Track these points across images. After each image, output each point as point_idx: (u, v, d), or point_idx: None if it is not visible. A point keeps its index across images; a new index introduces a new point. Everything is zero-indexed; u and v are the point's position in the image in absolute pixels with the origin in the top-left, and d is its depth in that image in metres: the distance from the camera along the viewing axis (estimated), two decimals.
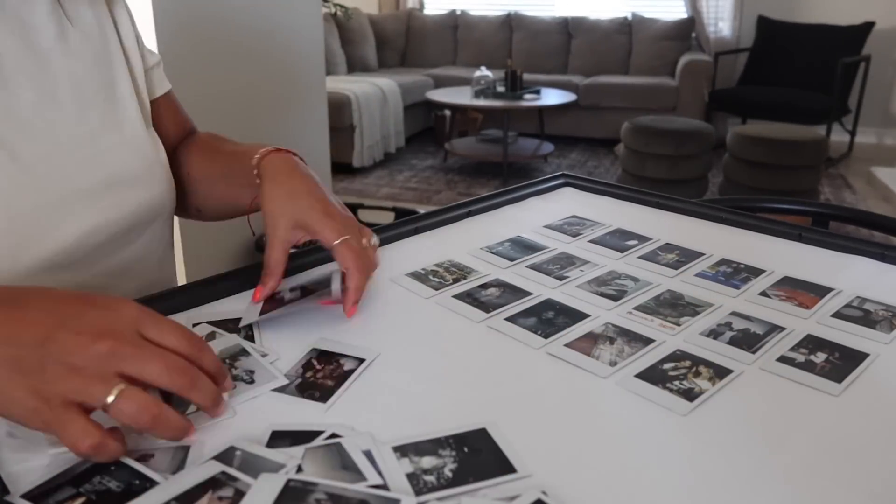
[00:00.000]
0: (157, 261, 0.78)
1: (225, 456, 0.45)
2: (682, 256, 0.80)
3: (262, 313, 0.62)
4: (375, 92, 4.56)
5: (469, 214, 0.93)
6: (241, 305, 0.67)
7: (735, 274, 0.75)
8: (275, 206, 0.65)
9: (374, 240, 0.69)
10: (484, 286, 0.72)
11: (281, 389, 0.54)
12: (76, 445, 0.40)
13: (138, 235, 0.73)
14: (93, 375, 0.40)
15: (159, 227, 0.76)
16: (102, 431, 0.41)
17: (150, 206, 0.72)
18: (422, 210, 2.17)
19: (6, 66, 0.62)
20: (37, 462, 0.44)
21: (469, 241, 0.84)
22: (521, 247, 0.83)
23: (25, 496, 0.41)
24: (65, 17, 0.68)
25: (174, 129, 0.83)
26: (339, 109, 4.11)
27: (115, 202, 0.68)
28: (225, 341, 0.60)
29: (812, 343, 0.61)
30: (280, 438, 0.47)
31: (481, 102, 4.43)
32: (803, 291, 0.71)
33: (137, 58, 0.75)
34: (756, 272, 0.76)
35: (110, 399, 0.40)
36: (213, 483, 0.42)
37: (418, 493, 0.42)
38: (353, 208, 2.99)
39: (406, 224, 0.88)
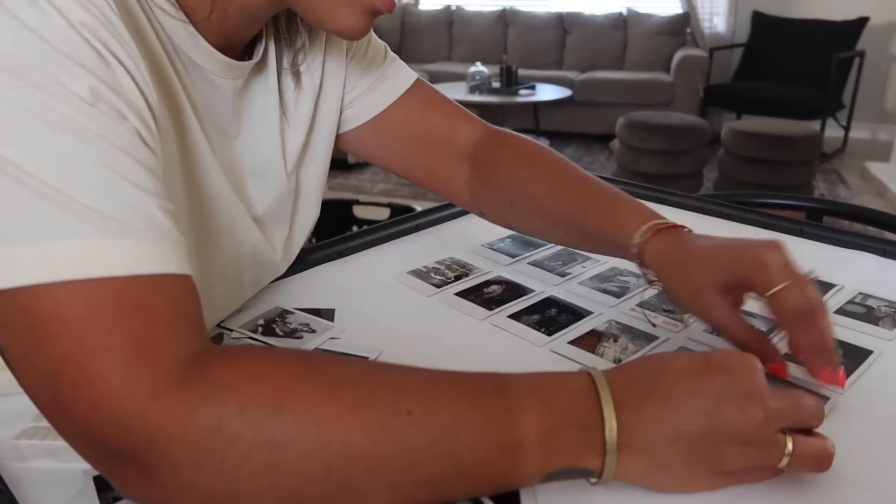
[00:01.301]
0: None
1: None
2: None
3: None
4: None
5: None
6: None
7: None
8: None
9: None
10: (486, 283, 0.72)
11: None
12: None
13: None
14: (764, 444, 0.40)
15: None
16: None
17: None
18: (418, 206, 2.16)
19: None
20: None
21: (470, 237, 0.84)
22: (523, 243, 0.82)
23: None
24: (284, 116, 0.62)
25: (444, 129, 0.72)
26: None
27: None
28: (259, 310, 0.65)
29: None
30: None
31: (476, 98, 4.42)
32: None
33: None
34: None
35: (783, 462, 0.41)
36: None
37: None
38: (349, 205, 2.98)
39: (406, 221, 0.87)
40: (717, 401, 0.40)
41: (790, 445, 0.40)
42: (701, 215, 0.92)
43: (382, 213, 2.88)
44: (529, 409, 0.38)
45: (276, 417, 0.35)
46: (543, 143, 3.48)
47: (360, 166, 4.32)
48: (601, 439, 0.39)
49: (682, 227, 0.58)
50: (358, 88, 0.68)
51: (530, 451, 0.38)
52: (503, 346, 0.60)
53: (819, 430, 0.49)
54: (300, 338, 0.60)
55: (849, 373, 0.56)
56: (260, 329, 0.62)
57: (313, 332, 0.62)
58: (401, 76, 0.70)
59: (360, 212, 2.91)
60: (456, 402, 0.38)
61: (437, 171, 0.72)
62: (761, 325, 0.63)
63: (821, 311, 0.50)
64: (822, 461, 0.42)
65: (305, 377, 0.37)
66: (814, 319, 0.49)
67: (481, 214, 0.74)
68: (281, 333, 0.61)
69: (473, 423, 0.38)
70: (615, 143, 3.92)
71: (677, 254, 0.55)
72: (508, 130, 0.73)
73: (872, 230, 1.24)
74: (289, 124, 0.62)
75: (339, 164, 4.18)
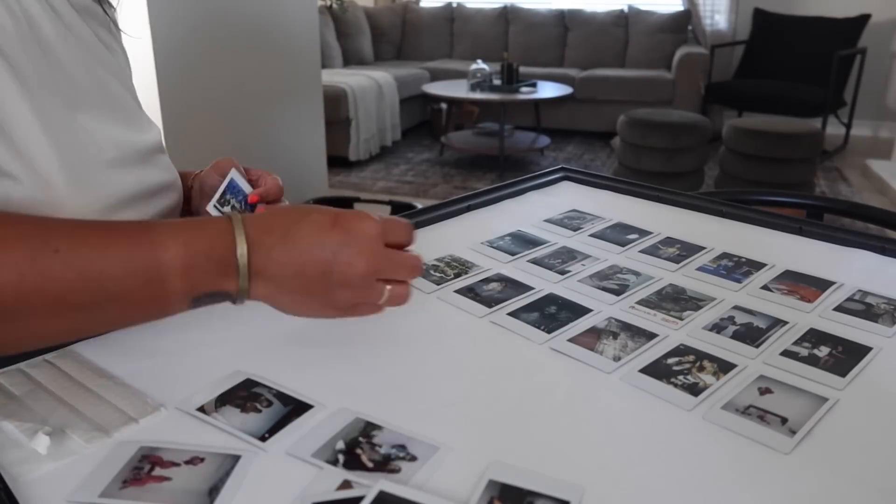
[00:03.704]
0: None
1: None
2: (683, 250, 0.80)
3: None
4: (371, 85, 4.54)
5: (469, 209, 0.93)
6: None
7: (736, 268, 0.75)
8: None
9: None
10: (485, 281, 0.72)
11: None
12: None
13: None
14: (366, 290, 0.51)
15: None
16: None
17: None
18: (418, 204, 2.17)
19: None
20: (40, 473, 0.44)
21: (469, 235, 0.84)
22: (522, 241, 0.82)
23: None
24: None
25: None
26: (335, 103, 4.09)
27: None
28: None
29: (815, 337, 0.61)
30: None
31: (477, 95, 4.42)
32: (805, 285, 0.71)
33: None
34: (757, 266, 0.76)
35: (382, 300, 0.52)
36: None
37: None
38: (349, 202, 2.99)
39: (407, 218, 0.87)
40: (334, 253, 0.49)
41: (386, 294, 0.52)
42: (701, 214, 0.92)
43: (383, 211, 2.89)
44: (172, 248, 0.46)
45: None
46: (544, 140, 3.45)
47: (361, 164, 4.32)
48: (235, 269, 0.47)
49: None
50: None
51: (173, 283, 0.46)
52: (502, 344, 0.60)
53: (819, 427, 0.50)
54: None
55: (850, 369, 0.56)
56: None
57: None
58: None
59: (361, 209, 2.93)
60: (103, 241, 0.45)
61: None
62: (762, 322, 0.63)
63: None
64: (404, 301, 0.54)
65: None
66: None
67: None
68: None
69: (118, 258, 0.45)
70: (616, 141, 3.91)
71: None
72: None
73: (873, 228, 1.24)
74: None
75: (340, 161, 4.17)
